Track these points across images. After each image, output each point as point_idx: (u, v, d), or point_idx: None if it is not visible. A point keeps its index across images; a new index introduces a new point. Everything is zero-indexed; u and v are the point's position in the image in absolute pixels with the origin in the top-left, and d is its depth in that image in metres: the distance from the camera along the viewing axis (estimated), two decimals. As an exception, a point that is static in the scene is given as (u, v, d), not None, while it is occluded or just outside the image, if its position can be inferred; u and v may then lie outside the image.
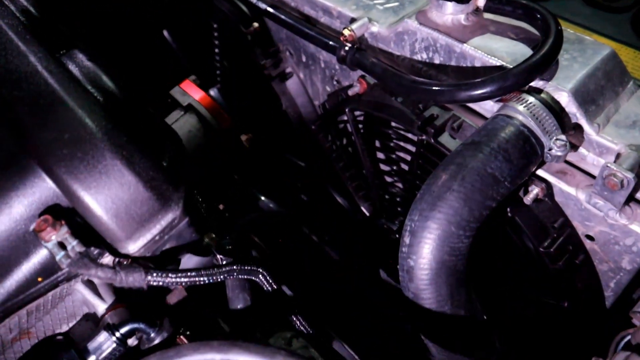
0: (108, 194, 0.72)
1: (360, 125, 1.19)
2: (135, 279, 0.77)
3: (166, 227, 0.77)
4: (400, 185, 1.22)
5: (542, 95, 0.89)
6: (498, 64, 0.95)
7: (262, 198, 1.41)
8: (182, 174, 0.81)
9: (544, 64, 0.87)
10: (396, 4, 1.16)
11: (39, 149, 0.74)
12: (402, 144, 1.13)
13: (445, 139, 1.02)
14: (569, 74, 0.91)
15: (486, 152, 0.85)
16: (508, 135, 0.86)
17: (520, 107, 0.87)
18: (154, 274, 0.78)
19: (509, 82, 0.87)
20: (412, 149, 1.10)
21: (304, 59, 1.35)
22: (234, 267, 0.85)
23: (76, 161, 0.71)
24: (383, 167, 1.27)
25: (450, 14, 1.02)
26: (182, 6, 1.63)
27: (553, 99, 0.89)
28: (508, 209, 0.94)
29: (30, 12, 0.97)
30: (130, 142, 0.74)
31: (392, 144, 1.15)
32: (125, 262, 0.79)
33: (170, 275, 0.79)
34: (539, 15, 0.93)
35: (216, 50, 1.56)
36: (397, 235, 1.24)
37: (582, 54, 0.94)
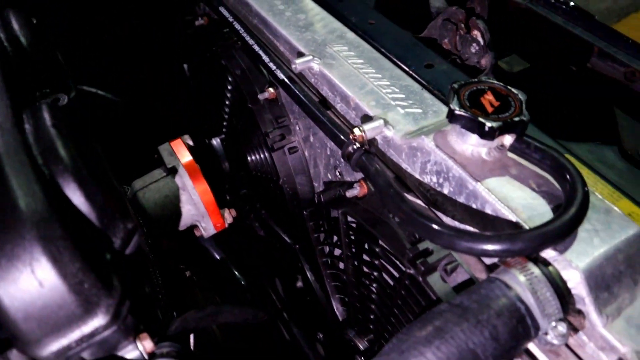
0: (22, 293, 0.61)
1: (351, 232, 1.09)
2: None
3: (87, 334, 0.67)
4: (377, 303, 1.10)
5: (550, 268, 0.78)
6: (510, 217, 0.84)
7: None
8: (128, 269, 0.71)
9: (560, 235, 0.76)
10: (419, 110, 1.06)
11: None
12: (388, 266, 1.02)
13: (434, 279, 0.91)
14: (586, 249, 0.79)
15: (472, 323, 0.73)
16: (501, 309, 0.74)
17: (522, 278, 0.76)
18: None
19: (517, 246, 0.75)
20: (397, 274, 0.99)
21: (311, 139, 1.26)
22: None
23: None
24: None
25: (472, 145, 0.92)
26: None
27: (561, 277, 0.78)
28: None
29: (19, 42, 0.89)
30: (64, 238, 0.62)
31: (377, 262, 1.04)
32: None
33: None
34: (567, 176, 0.82)
35: (227, 102, 1.47)
36: (361, 358, 1.12)
37: (606, 228, 0.82)
